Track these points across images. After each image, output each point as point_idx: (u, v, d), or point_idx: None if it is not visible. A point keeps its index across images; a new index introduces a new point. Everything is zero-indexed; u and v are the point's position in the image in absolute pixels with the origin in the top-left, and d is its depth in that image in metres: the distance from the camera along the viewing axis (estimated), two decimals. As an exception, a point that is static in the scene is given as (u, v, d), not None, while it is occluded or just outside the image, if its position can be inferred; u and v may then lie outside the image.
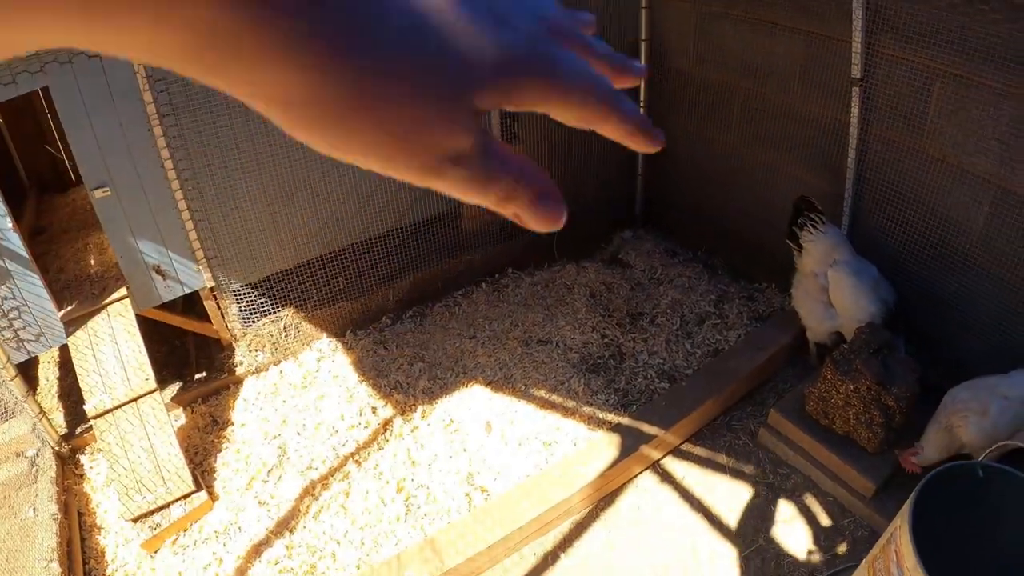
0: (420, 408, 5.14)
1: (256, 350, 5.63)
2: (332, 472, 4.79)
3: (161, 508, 4.61)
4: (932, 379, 4.26)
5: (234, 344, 5.61)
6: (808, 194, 4.70)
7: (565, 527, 4.35)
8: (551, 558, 4.20)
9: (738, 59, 5.34)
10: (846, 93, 4.60)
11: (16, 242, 4.67)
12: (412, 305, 6.14)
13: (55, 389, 5.99)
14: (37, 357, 6.20)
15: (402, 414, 5.12)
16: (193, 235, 5.12)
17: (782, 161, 5.30)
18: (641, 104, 6.20)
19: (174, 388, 5.59)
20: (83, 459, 5.23)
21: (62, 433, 5.31)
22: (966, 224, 4.27)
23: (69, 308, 5.22)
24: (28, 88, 4.46)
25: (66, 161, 7.13)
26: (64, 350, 6.18)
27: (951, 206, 4.31)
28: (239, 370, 5.60)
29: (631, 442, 4.54)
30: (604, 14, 5.83)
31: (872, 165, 4.68)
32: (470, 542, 4.10)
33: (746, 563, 4.00)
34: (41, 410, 5.05)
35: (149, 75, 4.59)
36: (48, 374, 6.22)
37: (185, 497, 4.65)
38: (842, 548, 3.99)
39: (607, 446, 4.54)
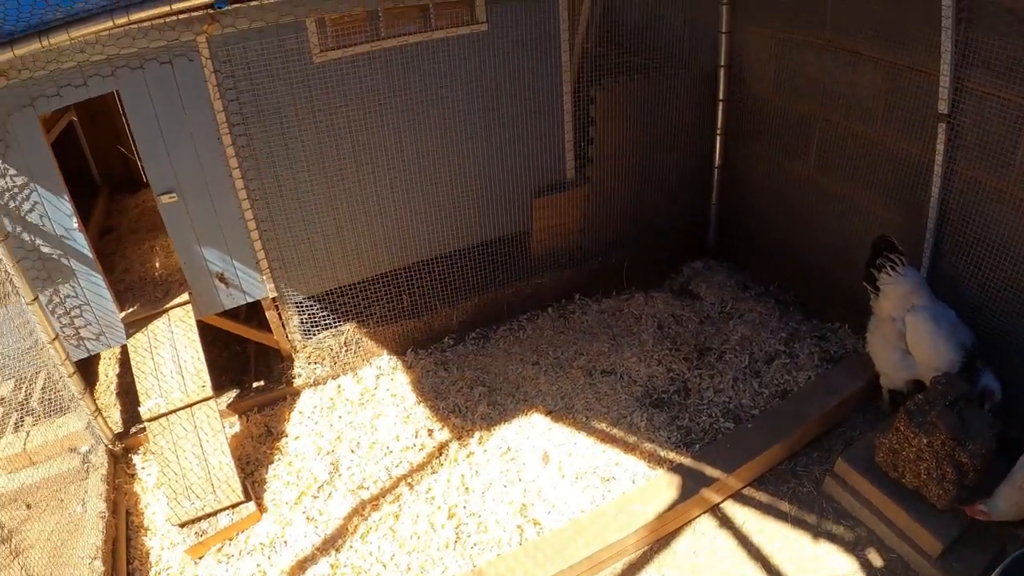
0: (477, 433, 5.09)
1: (315, 363, 5.64)
2: (383, 493, 4.76)
3: (209, 515, 4.64)
4: (1012, 433, 4.07)
5: (294, 356, 5.63)
6: (887, 232, 4.51)
7: (617, 567, 4.25)
8: (601, 599, 4.11)
9: (818, 88, 5.18)
10: (931, 129, 4.42)
11: (81, 242, 4.76)
12: (476, 327, 6.10)
13: (114, 386, 6.07)
14: (99, 352, 6.29)
15: (459, 439, 5.08)
16: (258, 245, 5.15)
17: (861, 196, 5.12)
18: (718, 131, 6.08)
19: (231, 395, 5.63)
20: (136, 459, 5.31)
21: (117, 431, 5.38)
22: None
23: (131, 310, 5.29)
24: (98, 92, 4.52)
25: (139, 162, 7.25)
26: (124, 349, 6.28)
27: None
28: (297, 382, 5.62)
29: (692, 484, 4.43)
30: (684, 39, 5.75)
31: (955, 205, 4.48)
32: (519, 576, 4.03)
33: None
34: (97, 408, 5.14)
35: (220, 84, 4.63)
36: (108, 371, 6.31)
37: (234, 506, 4.68)
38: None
39: (667, 486, 4.43)
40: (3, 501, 4.61)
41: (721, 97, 5.96)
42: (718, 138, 6.12)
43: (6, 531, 4.36)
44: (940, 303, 4.37)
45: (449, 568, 4.24)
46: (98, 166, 7.16)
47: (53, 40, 4.02)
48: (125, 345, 5.29)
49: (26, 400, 5.29)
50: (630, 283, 6.39)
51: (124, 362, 6.29)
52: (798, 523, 4.34)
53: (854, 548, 4.15)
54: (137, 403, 5.66)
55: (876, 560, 4.07)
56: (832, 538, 4.23)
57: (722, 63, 5.82)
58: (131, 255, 5.97)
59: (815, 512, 4.38)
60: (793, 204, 5.71)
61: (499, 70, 5.33)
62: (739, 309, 5.85)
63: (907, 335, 4.41)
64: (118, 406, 5.84)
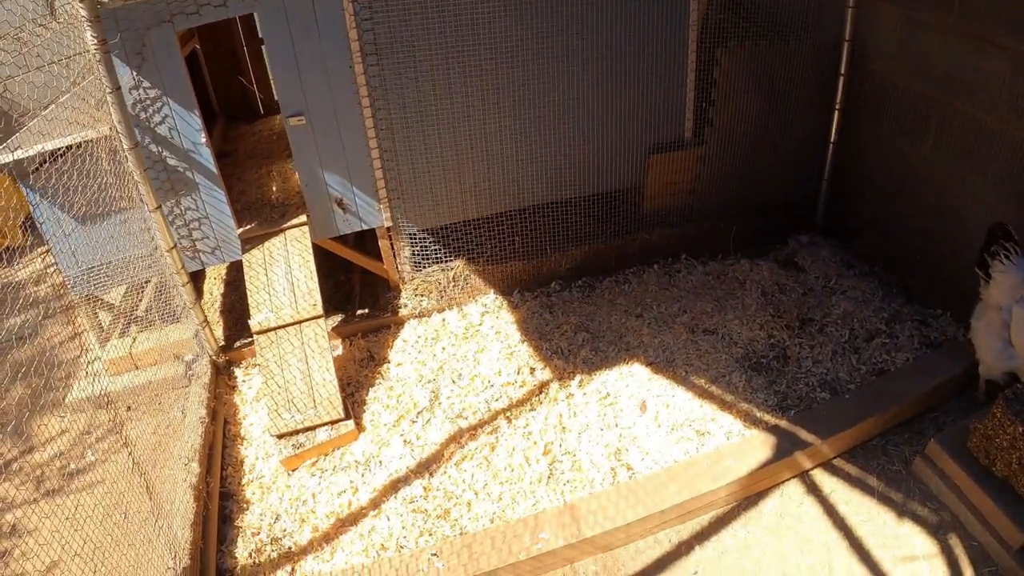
0: (578, 376, 5.21)
1: (422, 295, 5.80)
2: (481, 424, 4.92)
3: (308, 429, 4.84)
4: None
5: (401, 286, 5.80)
6: (1004, 221, 4.49)
7: (705, 519, 4.35)
8: (685, 547, 4.21)
9: (942, 71, 5.12)
10: None
11: (207, 157, 4.97)
12: (583, 275, 6.20)
13: (218, 304, 6.32)
14: (204, 272, 6.53)
15: (559, 380, 5.21)
16: (379, 173, 5.30)
17: (975, 184, 5.06)
18: (836, 106, 6.04)
19: (335, 320, 5.82)
20: (237, 372, 5.54)
21: (219, 346, 5.60)
22: None
23: (248, 227, 5.49)
24: (238, 12, 4.71)
25: (256, 92, 7.46)
26: (230, 270, 6.52)
27: None
28: (402, 312, 5.79)
29: (786, 445, 4.50)
30: (809, 9, 5.72)
31: None
32: (610, 515, 4.17)
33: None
34: (206, 318, 5.35)
35: (357, 13, 4.75)
36: (213, 289, 6.55)
37: (333, 423, 4.86)
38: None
39: (761, 445, 4.51)
40: (108, 400, 4.87)
41: (842, 72, 5.90)
42: (836, 113, 6.07)
43: (119, 421, 4.63)
44: None
45: (540, 502, 4.38)
46: (217, 94, 7.39)
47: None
48: (231, 265, 5.50)
49: (141, 306, 5.54)
50: (735, 249, 6.44)
51: (229, 283, 6.54)
52: (884, 499, 4.37)
53: (936, 531, 4.17)
54: (240, 321, 5.93)
55: (956, 545, 4.09)
56: (916, 518, 4.25)
57: (846, 37, 5.76)
58: (248, 178, 6.19)
59: (902, 491, 4.41)
60: (905, 187, 5.67)
61: (629, 23, 5.37)
62: (842, 285, 5.86)
63: (1012, 326, 4.39)
64: (220, 323, 6.08)
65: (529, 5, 5.08)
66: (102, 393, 4.84)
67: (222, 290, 6.46)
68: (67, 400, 5.18)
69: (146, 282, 5.46)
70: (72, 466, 4.80)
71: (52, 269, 5.95)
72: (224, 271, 6.64)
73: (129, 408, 4.94)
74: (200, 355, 5.34)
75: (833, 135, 6.18)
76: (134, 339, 5.38)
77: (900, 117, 5.57)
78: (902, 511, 4.30)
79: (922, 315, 5.47)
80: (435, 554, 4.01)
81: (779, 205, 6.45)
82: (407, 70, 5.00)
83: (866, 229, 6.15)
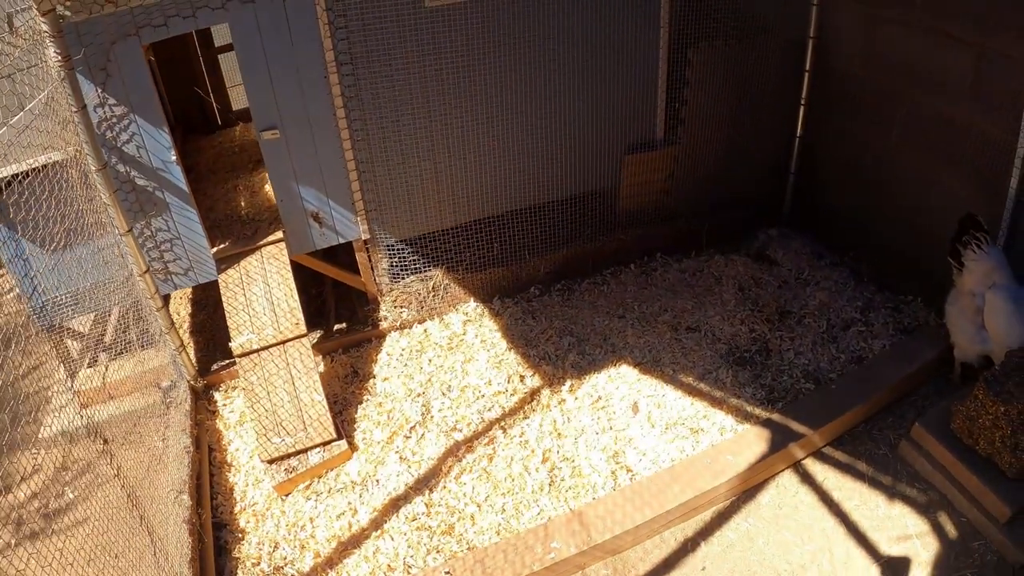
0: (568, 381, 5.22)
1: (401, 306, 5.72)
2: (476, 436, 4.88)
3: (299, 452, 4.70)
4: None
5: (380, 299, 5.71)
6: (965, 212, 4.65)
7: (707, 515, 4.42)
8: (691, 544, 4.26)
9: (905, 66, 5.28)
10: (1016, 113, 4.54)
11: (178, 175, 4.79)
12: (561, 279, 6.21)
13: (186, 326, 6.12)
14: (169, 293, 6.31)
15: (550, 386, 5.20)
16: (355, 185, 5.21)
17: (940, 174, 5.25)
18: (802, 101, 6.18)
19: (314, 336, 5.71)
20: (217, 396, 5.37)
21: (196, 370, 5.42)
22: None
23: (222, 246, 5.32)
24: (208, 23, 4.58)
25: (213, 104, 7.24)
26: (196, 290, 6.32)
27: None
28: (383, 325, 5.71)
29: (780, 438, 4.60)
30: (774, 8, 5.82)
31: None
32: (618, 519, 4.19)
33: (878, 574, 4.03)
34: (182, 343, 5.16)
35: (331, 22, 4.65)
36: (179, 310, 6.35)
37: (325, 444, 4.74)
38: (971, 571, 4.01)
39: (756, 439, 4.60)
40: (88, 432, 4.65)
41: (807, 68, 6.04)
42: (801, 108, 6.21)
43: (111, 452, 4.41)
44: (1020, 286, 4.51)
45: (544, 510, 4.37)
46: (172, 106, 7.15)
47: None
48: (197, 286, 5.31)
49: (108, 333, 5.30)
50: (708, 245, 6.54)
51: (196, 302, 6.34)
52: (874, 483, 4.50)
53: (926, 510, 4.32)
54: (212, 342, 5.76)
55: (946, 523, 4.24)
56: (906, 499, 4.39)
57: (811, 34, 5.89)
58: (213, 194, 6.01)
59: (890, 474, 4.54)
60: (871, 178, 5.83)
61: (601, 26, 5.38)
62: (815, 276, 6.00)
63: (985, 311, 4.56)
64: (191, 345, 5.89)
65: (503, 12, 5.05)
66: (79, 427, 4.60)
67: (189, 310, 6.26)
68: (40, 436, 4.93)
69: (120, 308, 5.21)
70: (53, 505, 4.58)
71: (11, 296, 5.66)
72: (190, 291, 6.44)
73: (106, 441, 4.71)
74: (178, 381, 5.14)
75: (799, 130, 6.32)
76: (106, 368, 5.16)
77: (865, 111, 5.72)
78: (892, 493, 4.43)
79: (894, 302, 5.64)
80: (448, 572, 3.96)
81: (748, 200, 6.57)
82: (382, 79, 4.92)
83: (834, 220, 6.31)
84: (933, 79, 5.11)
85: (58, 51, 3.97)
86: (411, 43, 4.90)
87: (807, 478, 4.60)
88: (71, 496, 4.58)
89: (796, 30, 5.93)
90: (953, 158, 5.13)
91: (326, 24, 4.65)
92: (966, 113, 4.94)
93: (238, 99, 8.10)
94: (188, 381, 5.24)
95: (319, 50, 4.71)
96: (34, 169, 4.17)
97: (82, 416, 4.73)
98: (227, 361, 5.44)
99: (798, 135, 6.35)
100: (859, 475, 4.58)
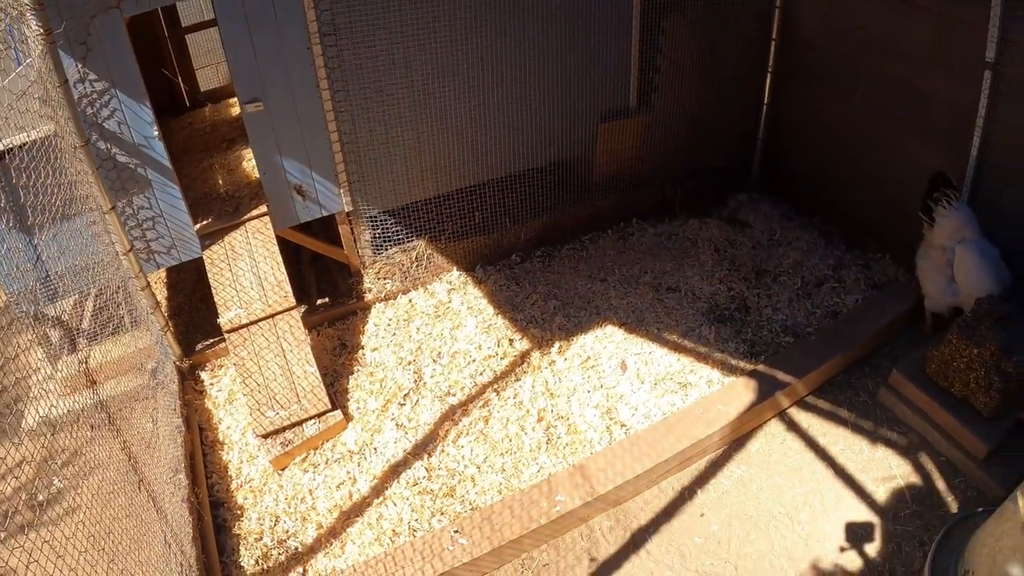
0: (557, 343, 5.30)
1: (385, 278, 5.73)
2: (471, 399, 4.93)
3: (294, 425, 4.67)
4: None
5: (363, 271, 5.70)
6: (928, 172, 4.86)
7: (702, 464, 4.55)
8: (688, 493, 4.39)
9: (867, 34, 5.47)
10: (977, 76, 4.74)
11: (161, 151, 4.71)
12: (541, 245, 6.29)
13: (164, 308, 6.00)
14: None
15: (539, 348, 5.27)
16: (339, 157, 5.20)
17: (904, 137, 5.45)
18: (769, 70, 6.35)
19: (299, 310, 5.64)
20: (203, 376, 5.31)
21: (181, 350, 5.36)
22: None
23: (205, 222, 5.27)
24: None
25: (181, 85, 7.15)
26: (171, 272, 6.22)
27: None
28: (367, 296, 5.72)
29: (766, 387, 4.74)
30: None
31: (996, 149, 4.83)
32: (619, 471, 4.28)
33: (867, 512, 4.20)
34: (167, 322, 5.10)
35: (315, -7, 4.61)
36: (155, 294, 6.23)
37: (320, 415, 4.72)
38: (954, 506, 4.19)
39: (744, 389, 4.74)
40: (69, 421, 4.54)
41: (773, 37, 6.21)
42: (768, 76, 6.38)
43: (115, 427, 4.32)
44: (987, 240, 4.71)
45: (544, 467, 4.45)
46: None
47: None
48: (171, 270, 5.22)
49: (88, 317, 5.18)
50: (682, 210, 6.67)
51: (172, 285, 6.25)
52: (857, 429, 4.69)
53: (907, 451, 4.50)
54: (192, 323, 5.70)
55: (927, 463, 4.43)
56: (887, 442, 4.58)
57: (777, 4, 6.07)
58: (190, 173, 5.94)
59: (871, 419, 4.73)
60: (837, 142, 6.03)
61: (577, -3, 5.47)
62: (787, 237, 6.18)
63: (955, 264, 4.76)
64: (170, 327, 5.79)
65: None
66: (64, 414, 4.48)
67: (165, 294, 6.16)
68: (23, 426, 4.79)
69: (108, 288, 5.10)
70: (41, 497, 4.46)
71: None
72: (164, 275, 6.34)
73: (93, 427, 4.61)
74: (164, 361, 5.06)
75: (767, 97, 6.50)
76: (89, 352, 5.05)
77: (829, 77, 5.92)
78: (874, 437, 4.62)
79: (864, 259, 5.84)
80: (457, 531, 4.01)
81: (719, 166, 6.74)
82: (366, 50, 4.92)
83: (802, 184, 6.51)
84: (894, 46, 5.30)
85: (39, 24, 3.87)
86: (394, 13, 4.91)
87: (793, 426, 4.76)
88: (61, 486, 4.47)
89: (763, 0, 6.10)
90: (915, 122, 5.33)
91: (310, -6, 4.63)
92: (927, 78, 5.14)
93: (206, 81, 8.02)
94: (174, 361, 5.17)
95: (302, 21, 4.69)
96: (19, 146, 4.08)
97: (67, 402, 4.62)
98: (212, 340, 5.38)
99: (766, 103, 6.53)
100: (842, 421, 4.75)
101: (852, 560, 3.96)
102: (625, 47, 5.84)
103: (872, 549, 4.00)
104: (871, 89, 5.59)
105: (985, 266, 4.61)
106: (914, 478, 4.36)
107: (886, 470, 4.42)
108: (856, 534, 4.08)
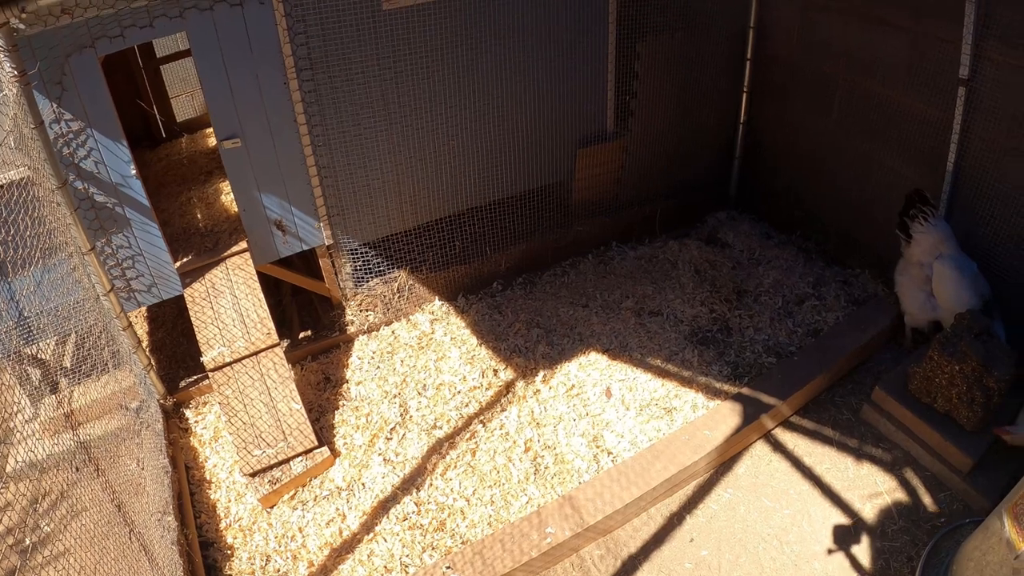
0: (541, 372, 5.30)
1: (367, 310, 5.72)
2: (457, 431, 4.92)
3: (281, 463, 4.64)
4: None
5: (344, 303, 5.68)
6: (905, 187, 4.92)
7: (689, 490, 4.56)
8: (676, 518, 4.40)
9: (843, 51, 5.53)
10: (951, 92, 4.80)
11: (138, 190, 4.68)
12: (522, 272, 6.29)
13: (146, 345, 5.96)
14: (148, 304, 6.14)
15: (524, 377, 5.28)
16: (318, 191, 5.19)
17: (880, 153, 5.51)
18: (744, 88, 6.40)
19: (282, 346, 5.62)
20: (188, 413, 5.26)
21: (165, 388, 5.31)
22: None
23: (185, 260, 5.23)
24: (166, 32, 4.46)
25: (157, 117, 7.10)
26: (151, 307, 6.17)
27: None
28: (350, 329, 5.69)
29: (751, 410, 4.77)
30: (716, 1, 6.03)
31: (971, 163, 4.89)
32: (607, 500, 4.28)
33: (855, 529, 4.23)
34: (150, 362, 5.05)
35: (290, 28, 4.62)
36: (136, 329, 6.16)
37: (307, 452, 4.69)
38: (940, 519, 4.23)
39: (730, 413, 4.76)
40: (52, 464, 4.48)
41: (749, 56, 6.28)
42: (744, 95, 6.44)
43: (103, 473, 4.27)
44: (964, 255, 4.77)
45: (533, 498, 4.45)
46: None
47: (129, -25, 3.93)
48: (154, 304, 5.17)
49: (67, 358, 5.12)
50: (661, 231, 6.71)
51: (152, 320, 6.20)
52: (842, 447, 4.72)
53: (892, 467, 4.54)
54: (174, 359, 5.65)
55: (912, 478, 4.47)
56: (873, 459, 4.61)
57: (751, 24, 6.14)
58: (168, 208, 5.89)
59: (856, 436, 4.77)
60: (814, 160, 6.09)
61: (553, 24, 5.49)
62: (766, 256, 6.22)
63: (933, 280, 4.81)
64: (153, 364, 5.75)
65: (457, 13, 5.11)
66: (47, 456, 4.42)
67: (147, 328, 6.11)
68: (8, 470, 4.73)
69: (89, 329, 5.04)
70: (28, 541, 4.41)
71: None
72: (145, 309, 6.28)
73: (78, 469, 4.55)
74: (147, 401, 5.01)
75: (742, 116, 6.55)
76: (72, 393, 5.00)
77: (805, 96, 5.98)
78: (859, 454, 4.66)
79: (843, 276, 5.89)
80: (449, 567, 3.99)
81: (697, 186, 6.78)
82: (341, 83, 4.92)
83: (779, 202, 6.57)
84: (870, 63, 5.36)
85: (13, 66, 3.84)
86: (369, 46, 4.92)
87: (779, 447, 4.79)
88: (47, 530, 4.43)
89: (737, 20, 6.16)
90: (892, 139, 5.39)
91: (285, 30, 4.62)
92: (903, 95, 5.20)
93: (182, 111, 7.96)
94: (158, 400, 5.13)
95: (279, 56, 4.68)
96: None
97: (50, 445, 4.56)
98: (195, 377, 5.34)
99: (742, 121, 6.59)
100: (827, 440, 4.78)
101: (841, 580, 4.00)
102: (601, 72, 5.87)
103: (861, 566, 4.03)
104: (847, 106, 5.65)
105: (963, 281, 4.67)
106: (900, 494, 4.40)
107: (872, 487, 4.46)
108: (844, 552, 4.11)
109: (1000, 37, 4.45)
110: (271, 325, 5.00)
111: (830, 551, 4.14)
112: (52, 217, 4.18)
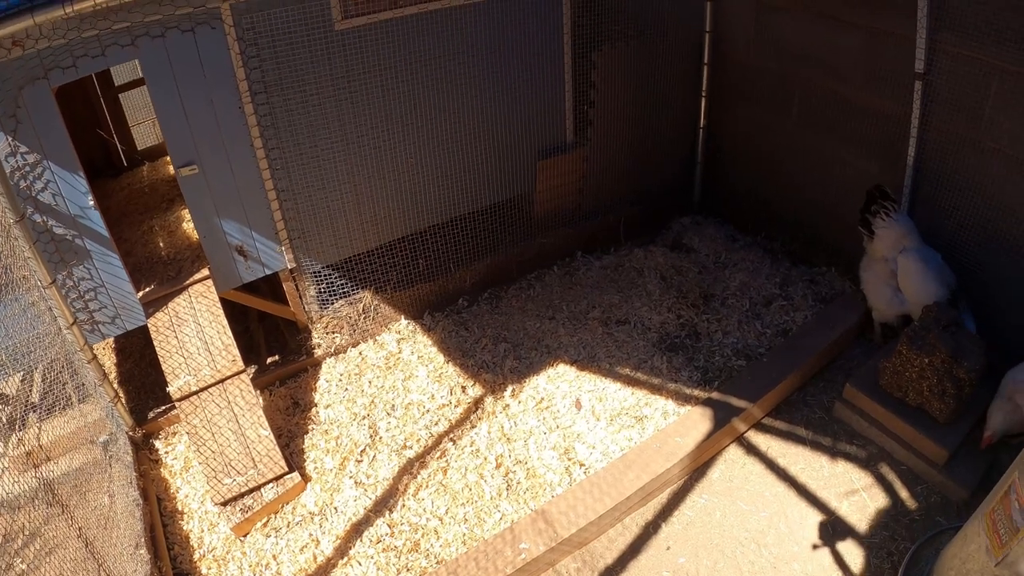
0: (510, 387, 5.27)
1: (333, 332, 5.67)
2: (427, 451, 4.88)
3: (252, 491, 4.58)
4: (992, 360, 4.51)
5: (311, 326, 5.64)
6: (867, 183, 4.94)
7: (663, 497, 4.53)
8: (652, 527, 4.37)
9: (799, 51, 5.57)
10: (908, 87, 4.84)
11: (98, 221, 4.62)
12: (487, 287, 6.27)
13: (113, 376, 5.90)
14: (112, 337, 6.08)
15: (492, 393, 5.24)
16: (278, 215, 5.15)
17: (841, 150, 5.54)
18: (703, 94, 6.43)
19: (248, 372, 5.56)
20: (158, 444, 5.19)
21: (133, 420, 5.23)
22: (1021, 211, 4.55)
23: (148, 289, 5.18)
24: (118, 61, 4.42)
25: (118, 145, 7.05)
26: (118, 338, 6.11)
27: (1007, 194, 4.58)
28: (317, 352, 5.64)
29: (722, 414, 4.75)
30: (670, 4, 6.05)
31: (931, 155, 4.93)
32: (581, 513, 4.25)
33: (833, 528, 4.22)
34: (116, 394, 4.98)
35: (243, 52, 4.59)
36: (104, 360, 6.12)
37: (278, 479, 4.64)
38: (918, 513, 4.23)
39: (700, 418, 4.73)
40: (20, 504, 4.42)
41: (706, 61, 6.31)
42: (703, 99, 6.47)
43: (68, 511, 4.20)
44: (928, 246, 4.80)
45: (506, 515, 4.41)
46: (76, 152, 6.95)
47: (77, 6, 3.89)
48: (120, 335, 5.12)
49: (33, 392, 5.06)
50: (626, 239, 6.71)
51: (120, 351, 6.13)
52: (816, 446, 4.71)
53: (867, 464, 4.54)
54: (143, 390, 5.58)
55: (888, 473, 4.47)
56: (847, 457, 4.61)
57: (707, 28, 6.17)
58: (130, 237, 5.84)
59: (829, 435, 4.76)
60: (775, 160, 6.12)
61: (506, 36, 5.48)
62: (732, 259, 6.23)
63: (899, 274, 4.83)
64: (122, 395, 5.69)
65: (410, 31, 5.10)
66: (18, 494, 4.36)
67: (115, 360, 6.04)
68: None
69: (51, 364, 4.98)
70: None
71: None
72: (112, 340, 6.21)
73: (50, 504, 4.49)
74: (116, 433, 4.95)
75: (702, 120, 6.57)
76: (39, 429, 4.92)
77: (763, 96, 6.01)
78: (834, 452, 4.65)
79: (810, 274, 5.90)
80: (423, 588, 3.96)
81: (660, 192, 6.78)
82: (297, 105, 4.89)
83: (743, 204, 6.59)
84: (826, 61, 5.39)
85: (-34, 101, 3.83)
86: (323, 67, 4.89)
87: (752, 449, 4.77)
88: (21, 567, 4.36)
89: (693, 25, 6.19)
90: (852, 135, 5.42)
91: (238, 54, 4.59)
92: (861, 91, 5.24)
93: (143, 138, 7.91)
94: (126, 432, 5.06)
95: (232, 80, 4.65)
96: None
97: (18, 482, 4.49)
98: (164, 408, 5.27)
99: (702, 125, 6.61)
100: (800, 440, 4.77)
101: (820, 578, 3.98)
102: (558, 83, 5.87)
103: (841, 563, 4.02)
104: (806, 105, 5.68)
105: (929, 272, 4.69)
106: (876, 489, 4.40)
107: (848, 484, 4.45)
108: (823, 551, 4.10)
109: (954, 29, 4.49)
110: (236, 352, 4.95)
111: (815, 547, 4.13)
112: (8, 251, 4.13)
